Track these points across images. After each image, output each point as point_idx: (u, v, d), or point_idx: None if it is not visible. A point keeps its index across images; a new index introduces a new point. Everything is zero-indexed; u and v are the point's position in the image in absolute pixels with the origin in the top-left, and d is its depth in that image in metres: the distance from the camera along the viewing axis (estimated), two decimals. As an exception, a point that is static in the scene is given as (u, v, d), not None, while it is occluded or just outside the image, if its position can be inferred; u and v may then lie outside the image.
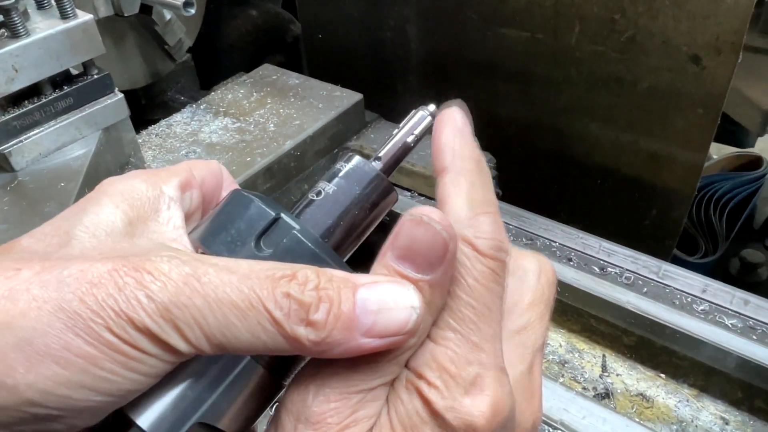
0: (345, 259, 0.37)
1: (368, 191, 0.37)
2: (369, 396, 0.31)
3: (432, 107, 0.40)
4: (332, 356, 0.30)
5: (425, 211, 0.31)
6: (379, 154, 0.38)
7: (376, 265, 0.32)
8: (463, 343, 0.32)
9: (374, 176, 0.37)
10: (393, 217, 0.32)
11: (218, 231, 0.35)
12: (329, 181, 0.37)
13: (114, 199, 0.35)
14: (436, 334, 0.32)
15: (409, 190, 1.11)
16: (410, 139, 0.39)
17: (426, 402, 0.31)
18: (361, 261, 0.38)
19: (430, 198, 1.09)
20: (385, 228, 0.34)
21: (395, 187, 0.39)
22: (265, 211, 0.34)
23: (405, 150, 0.39)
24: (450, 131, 0.37)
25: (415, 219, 0.31)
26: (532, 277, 0.38)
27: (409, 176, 1.10)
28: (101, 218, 0.34)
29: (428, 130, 0.39)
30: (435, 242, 0.31)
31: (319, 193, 0.37)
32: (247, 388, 0.33)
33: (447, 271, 0.31)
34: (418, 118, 0.39)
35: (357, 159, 0.38)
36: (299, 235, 0.33)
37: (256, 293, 0.29)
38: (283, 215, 0.34)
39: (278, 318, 0.29)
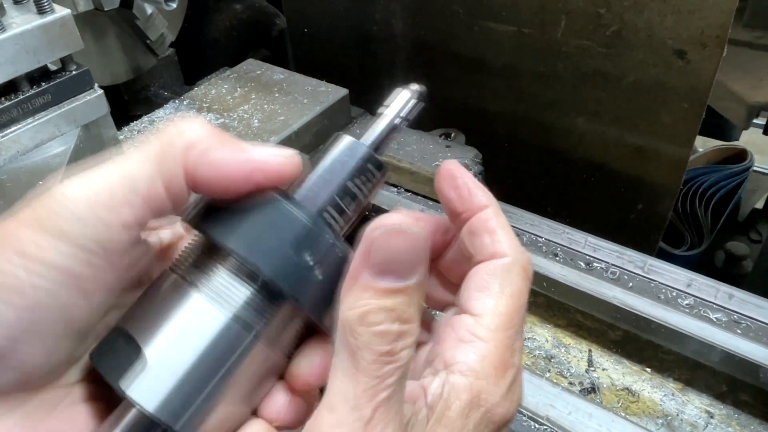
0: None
1: (362, 170, 0.38)
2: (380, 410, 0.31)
3: (416, 86, 0.41)
4: None
5: (396, 219, 0.32)
6: (369, 135, 0.39)
7: (356, 291, 0.32)
8: (509, 348, 0.36)
9: (366, 155, 0.38)
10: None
11: (264, 243, 0.34)
12: (322, 162, 0.38)
13: (57, 222, 0.33)
14: (487, 336, 0.36)
15: (395, 185, 1.11)
16: (398, 121, 0.40)
17: (476, 396, 0.34)
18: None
19: (416, 193, 1.09)
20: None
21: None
22: (299, 220, 0.34)
23: (392, 130, 0.40)
24: (468, 175, 0.41)
25: (390, 231, 0.31)
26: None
27: (395, 172, 1.09)
28: None
29: (414, 110, 0.41)
30: (416, 246, 0.32)
31: (312, 175, 0.37)
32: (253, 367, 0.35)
33: (427, 268, 0.33)
34: (404, 98, 0.40)
35: (349, 139, 0.38)
36: (338, 245, 0.35)
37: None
38: (311, 223, 0.35)
39: None
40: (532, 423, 0.76)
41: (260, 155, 0.35)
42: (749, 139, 1.92)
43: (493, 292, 0.37)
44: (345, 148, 0.38)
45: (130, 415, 0.33)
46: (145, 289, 0.37)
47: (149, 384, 0.32)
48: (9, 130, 0.82)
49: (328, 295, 0.35)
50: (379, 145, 0.39)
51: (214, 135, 0.35)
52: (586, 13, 1.07)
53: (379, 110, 0.40)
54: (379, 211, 1.03)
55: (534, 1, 1.11)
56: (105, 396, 0.36)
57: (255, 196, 0.35)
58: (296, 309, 0.36)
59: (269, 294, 0.35)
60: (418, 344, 0.37)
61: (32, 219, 0.33)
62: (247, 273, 0.35)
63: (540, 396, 0.78)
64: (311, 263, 0.34)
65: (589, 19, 1.08)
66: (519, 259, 0.38)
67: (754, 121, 1.66)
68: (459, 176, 0.41)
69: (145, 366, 0.33)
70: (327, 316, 0.35)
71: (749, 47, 1.51)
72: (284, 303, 0.35)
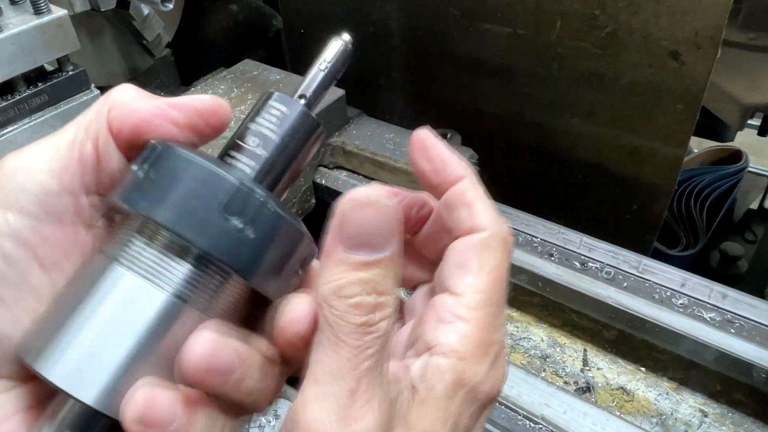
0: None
1: (299, 131, 0.37)
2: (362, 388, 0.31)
3: (346, 36, 0.40)
4: None
5: (366, 191, 0.31)
6: (301, 91, 0.38)
7: (330, 266, 0.32)
8: (491, 325, 0.36)
9: (300, 113, 0.37)
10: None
11: (177, 202, 0.32)
12: (256, 122, 0.37)
13: (14, 195, 0.35)
14: (468, 314, 0.35)
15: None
16: (323, 66, 0.39)
17: (460, 377, 0.34)
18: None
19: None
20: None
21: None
22: (226, 180, 0.33)
23: (325, 81, 0.39)
24: (442, 145, 0.40)
25: (360, 203, 0.31)
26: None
27: (392, 172, 1.09)
28: None
29: (345, 60, 0.39)
30: (388, 218, 0.31)
31: (247, 137, 0.36)
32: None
33: (401, 238, 0.32)
34: (333, 48, 0.39)
35: (280, 96, 0.37)
36: (275, 206, 0.33)
37: None
38: (244, 182, 0.33)
39: None
40: (528, 422, 0.77)
41: (176, 99, 0.36)
42: (744, 140, 1.93)
43: (472, 269, 0.36)
44: (266, 102, 0.37)
45: (57, 405, 0.32)
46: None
47: (74, 367, 0.31)
48: (6, 131, 0.82)
49: (260, 255, 0.33)
50: (308, 95, 0.38)
51: (139, 93, 0.36)
52: (582, 15, 1.08)
53: (312, 65, 0.40)
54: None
55: (529, 2, 1.12)
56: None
57: (167, 158, 0.33)
58: (224, 271, 0.34)
59: (198, 259, 0.33)
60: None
61: None
62: (173, 241, 0.33)
63: (535, 395, 0.79)
64: (229, 217, 0.32)
65: (584, 20, 1.08)
66: (497, 232, 0.38)
67: (749, 122, 1.67)
68: (431, 146, 0.40)
69: (68, 348, 0.31)
70: (260, 275, 0.34)
71: (744, 48, 1.52)
72: (210, 265, 0.34)
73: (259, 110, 0.37)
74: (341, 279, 0.31)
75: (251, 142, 0.36)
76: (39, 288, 0.34)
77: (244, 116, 0.38)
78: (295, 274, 0.36)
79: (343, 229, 0.31)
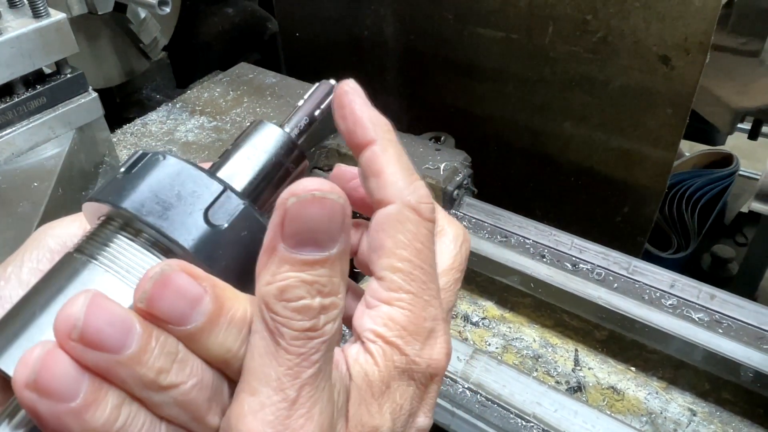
0: None
1: (282, 157, 0.37)
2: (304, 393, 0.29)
3: (333, 81, 0.40)
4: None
5: (311, 185, 0.29)
6: (290, 124, 0.39)
7: (271, 265, 0.29)
8: (418, 302, 0.34)
9: (287, 142, 0.38)
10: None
11: (159, 202, 0.32)
12: (241, 147, 0.37)
13: (42, 252, 0.36)
14: (390, 297, 0.34)
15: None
16: (317, 112, 0.40)
17: (389, 360, 0.33)
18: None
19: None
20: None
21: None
22: (211, 183, 0.32)
23: (312, 122, 0.39)
24: (359, 103, 0.36)
25: (306, 198, 0.28)
26: (454, 244, 0.39)
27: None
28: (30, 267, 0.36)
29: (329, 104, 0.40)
30: (335, 214, 0.29)
31: (233, 159, 0.36)
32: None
33: (348, 235, 0.30)
34: (323, 91, 0.40)
35: (269, 126, 0.37)
36: (252, 211, 0.33)
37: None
38: (228, 188, 0.33)
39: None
40: (519, 420, 0.78)
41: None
42: (735, 143, 1.95)
43: (386, 250, 0.34)
44: (259, 132, 0.37)
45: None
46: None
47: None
48: (4, 133, 0.82)
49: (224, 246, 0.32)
50: (297, 127, 0.39)
51: None
52: (573, 20, 1.09)
53: (300, 102, 0.40)
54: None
55: (522, 7, 1.13)
56: None
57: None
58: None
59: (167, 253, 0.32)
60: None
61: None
62: (153, 237, 0.32)
63: (527, 394, 0.80)
64: (210, 218, 0.32)
65: (576, 25, 1.10)
66: (407, 201, 0.34)
67: (739, 125, 1.69)
68: (348, 103, 0.36)
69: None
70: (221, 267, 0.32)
71: (734, 53, 1.54)
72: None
73: (248, 135, 0.38)
74: (284, 280, 0.29)
75: (236, 163, 0.36)
76: None
77: (233, 140, 0.39)
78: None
79: (287, 225, 0.29)
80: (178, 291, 0.28)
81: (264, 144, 0.37)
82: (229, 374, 0.31)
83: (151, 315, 0.28)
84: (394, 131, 0.37)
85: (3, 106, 0.82)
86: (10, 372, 0.28)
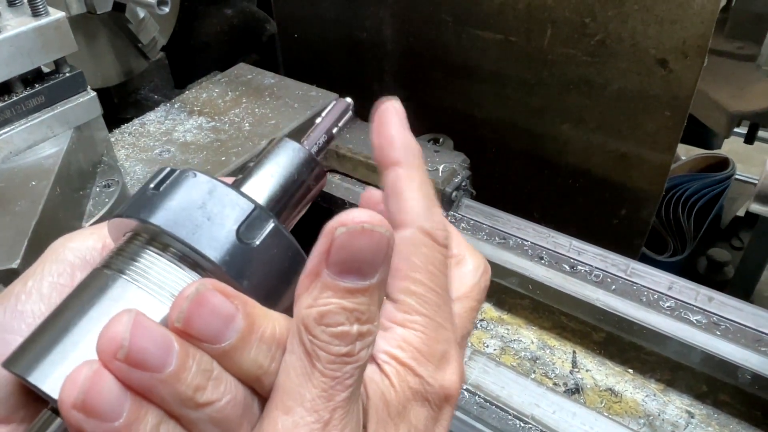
0: None
1: (304, 174, 0.38)
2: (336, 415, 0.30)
3: (349, 100, 0.41)
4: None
5: (361, 217, 0.30)
6: (309, 141, 0.39)
7: (314, 289, 0.30)
8: (431, 324, 0.35)
9: (309, 159, 0.38)
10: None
11: (191, 219, 0.32)
12: (264, 164, 0.37)
13: (62, 266, 0.36)
14: (405, 319, 0.34)
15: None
16: (335, 130, 0.40)
17: (404, 382, 0.33)
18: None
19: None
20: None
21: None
22: (242, 200, 0.33)
23: (330, 139, 0.40)
24: (396, 124, 0.37)
25: (355, 230, 0.29)
26: (473, 274, 0.40)
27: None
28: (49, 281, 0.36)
29: (347, 119, 0.41)
30: (380, 246, 0.30)
31: (257, 176, 0.37)
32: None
33: (389, 266, 0.31)
34: (341, 109, 0.40)
35: (292, 144, 0.38)
36: (281, 230, 0.33)
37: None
38: (258, 207, 0.33)
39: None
40: (518, 422, 0.78)
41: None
42: (731, 147, 1.96)
43: (401, 273, 0.35)
44: (281, 149, 0.38)
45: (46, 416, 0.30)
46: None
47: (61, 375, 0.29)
48: (2, 131, 0.82)
49: (259, 265, 0.32)
50: (316, 144, 0.39)
51: None
52: (572, 23, 1.10)
53: (319, 120, 0.40)
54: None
55: (521, 10, 1.13)
56: None
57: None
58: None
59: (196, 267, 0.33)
60: None
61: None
62: (183, 253, 0.32)
63: (525, 396, 0.80)
64: (241, 235, 0.32)
65: (574, 28, 1.10)
66: (421, 226, 0.35)
67: (736, 129, 1.70)
68: (385, 121, 0.37)
69: (66, 359, 0.30)
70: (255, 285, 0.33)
71: (730, 57, 1.55)
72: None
73: (271, 152, 0.38)
74: (325, 305, 0.30)
75: (260, 180, 0.37)
76: None
77: (256, 156, 0.39)
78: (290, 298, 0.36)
79: (333, 253, 0.30)
80: (213, 310, 0.29)
81: (287, 161, 0.37)
82: (259, 391, 0.31)
83: (186, 333, 0.29)
84: (423, 159, 0.38)
85: (1, 104, 0.81)
86: (44, 388, 0.29)
